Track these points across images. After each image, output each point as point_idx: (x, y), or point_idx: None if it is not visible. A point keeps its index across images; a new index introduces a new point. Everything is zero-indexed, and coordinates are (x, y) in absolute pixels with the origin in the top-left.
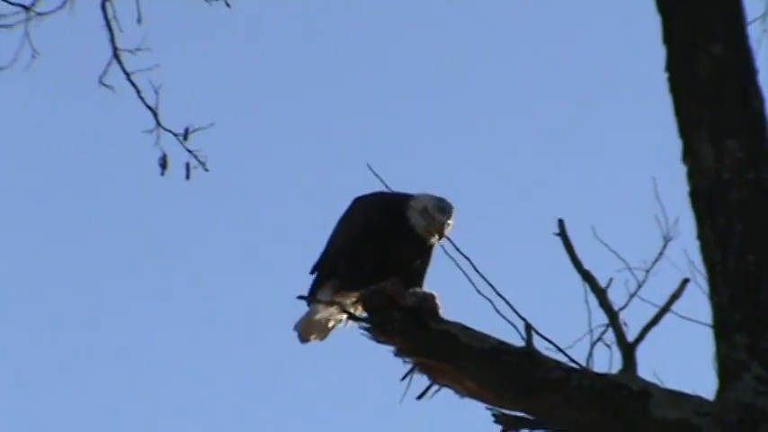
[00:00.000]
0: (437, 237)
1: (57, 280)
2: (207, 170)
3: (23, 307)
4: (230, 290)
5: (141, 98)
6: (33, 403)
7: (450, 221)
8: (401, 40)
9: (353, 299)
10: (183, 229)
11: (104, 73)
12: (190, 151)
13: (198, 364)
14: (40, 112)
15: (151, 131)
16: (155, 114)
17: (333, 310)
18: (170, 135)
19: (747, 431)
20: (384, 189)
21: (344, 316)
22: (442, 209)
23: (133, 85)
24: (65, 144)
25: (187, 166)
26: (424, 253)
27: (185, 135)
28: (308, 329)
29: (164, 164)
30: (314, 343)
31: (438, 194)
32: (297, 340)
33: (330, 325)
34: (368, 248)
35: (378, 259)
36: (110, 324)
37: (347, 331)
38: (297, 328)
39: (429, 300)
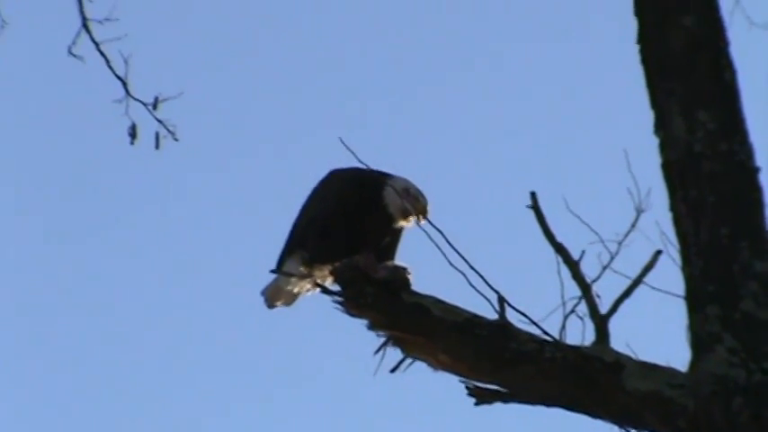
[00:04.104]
0: (420, 217)
1: (23, 249)
2: (176, 139)
3: None
4: (200, 259)
5: (110, 68)
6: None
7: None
8: (374, 12)
9: (324, 272)
10: (152, 198)
11: (73, 43)
12: (159, 121)
13: (167, 334)
14: (8, 83)
15: (120, 101)
16: (124, 84)
17: (302, 280)
18: (139, 105)
19: (720, 403)
20: (358, 164)
21: (312, 285)
22: (422, 193)
23: (102, 54)
24: (34, 114)
25: (156, 135)
26: (395, 231)
27: (155, 104)
28: (276, 295)
29: (133, 133)
30: (282, 311)
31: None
32: (264, 305)
33: (297, 292)
34: (340, 223)
35: (349, 235)
36: (77, 290)
37: (320, 305)
38: (264, 293)
39: (400, 272)
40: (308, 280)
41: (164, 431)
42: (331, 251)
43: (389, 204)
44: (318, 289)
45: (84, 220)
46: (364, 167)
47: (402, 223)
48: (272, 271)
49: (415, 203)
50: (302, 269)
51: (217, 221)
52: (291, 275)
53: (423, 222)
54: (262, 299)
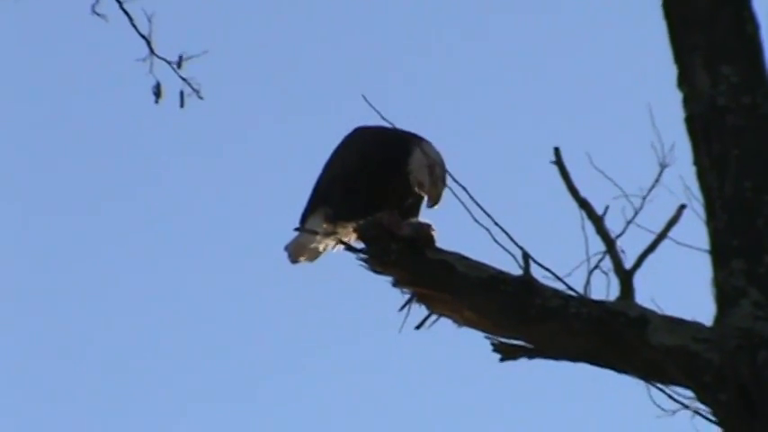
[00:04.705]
0: (430, 200)
1: (47, 206)
2: (201, 98)
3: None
4: (224, 217)
5: (134, 26)
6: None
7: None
8: None
9: (348, 230)
10: (177, 157)
11: (97, 1)
12: (184, 79)
13: (192, 294)
14: (32, 43)
15: (144, 60)
16: (148, 43)
17: (326, 238)
18: (164, 63)
19: (746, 357)
20: (383, 123)
21: (336, 243)
22: (444, 178)
23: (126, 13)
24: (58, 74)
25: (181, 94)
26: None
27: (179, 63)
28: (299, 251)
29: (158, 92)
30: (306, 267)
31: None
32: (287, 261)
33: (321, 249)
34: (363, 181)
35: (372, 193)
36: (101, 251)
37: (345, 262)
38: (288, 248)
39: (425, 229)
40: (332, 237)
41: (181, 383)
42: (354, 208)
43: (413, 170)
44: (342, 246)
45: (109, 179)
46: (390, 127)
47: (420, 193)
48: (296, 229)
49: (433, 184)
50: (325, 226)
51: (242, 179)
52: (315, 233)
53: (432, 207)
54: (285, 254)
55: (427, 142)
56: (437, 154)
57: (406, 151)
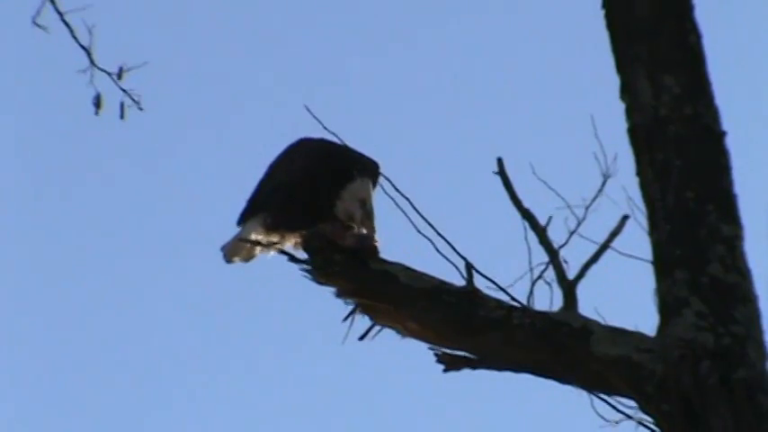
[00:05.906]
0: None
1: None
2: (141, 109)
3: None
4: (164, 228)
5: (75, 38)
6: None
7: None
8: None
9: (287, 239)
10: (117, 168)
11: (38, 13)
12: (124, 90)
13: (130, 304)
14: None
15: (85, 71)
16: (88, 54)
17: (263, 243)
18: (104, 74)
19: (688, 367)
20: (325, 133)
21: (277, 251)
22: (369, 213)
23: (66, 24)
24: None
25: (121, 105)
26: None
27: (119, 74)
28: (234, 251)
29: (98, 103)
30: (238, 266)
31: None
32: (222, 260)
33: (256, 251)
34: (306, 193)
35: (314, 204)
36: (39, 261)
37: (290, 275)
38: (223, 248)
39: (368, 239)
40: (274, 247)
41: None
42: (296, 219)
43: (346, 199)
44: (285, 257)
45: (47, 191)
46: (335, 141)
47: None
48: (241, 240)
49: (362, 220)
50: (264, 234)
51: (181, 190)
52: (258, 244)
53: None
54: (220, 254)
55: (364, 174)
56: (365, 189)
57: (348, 175)
